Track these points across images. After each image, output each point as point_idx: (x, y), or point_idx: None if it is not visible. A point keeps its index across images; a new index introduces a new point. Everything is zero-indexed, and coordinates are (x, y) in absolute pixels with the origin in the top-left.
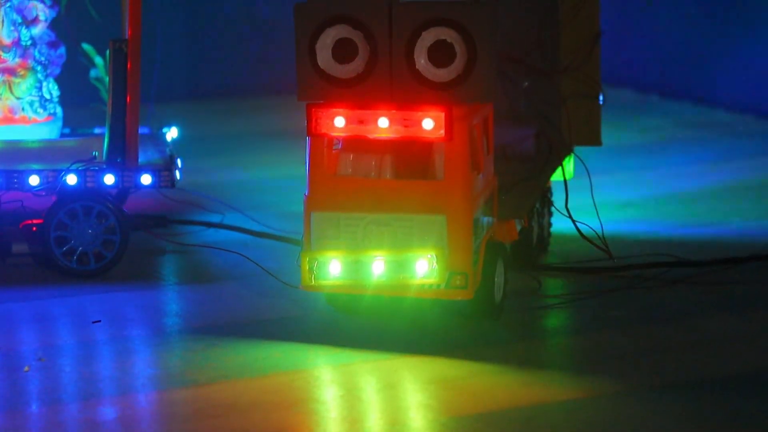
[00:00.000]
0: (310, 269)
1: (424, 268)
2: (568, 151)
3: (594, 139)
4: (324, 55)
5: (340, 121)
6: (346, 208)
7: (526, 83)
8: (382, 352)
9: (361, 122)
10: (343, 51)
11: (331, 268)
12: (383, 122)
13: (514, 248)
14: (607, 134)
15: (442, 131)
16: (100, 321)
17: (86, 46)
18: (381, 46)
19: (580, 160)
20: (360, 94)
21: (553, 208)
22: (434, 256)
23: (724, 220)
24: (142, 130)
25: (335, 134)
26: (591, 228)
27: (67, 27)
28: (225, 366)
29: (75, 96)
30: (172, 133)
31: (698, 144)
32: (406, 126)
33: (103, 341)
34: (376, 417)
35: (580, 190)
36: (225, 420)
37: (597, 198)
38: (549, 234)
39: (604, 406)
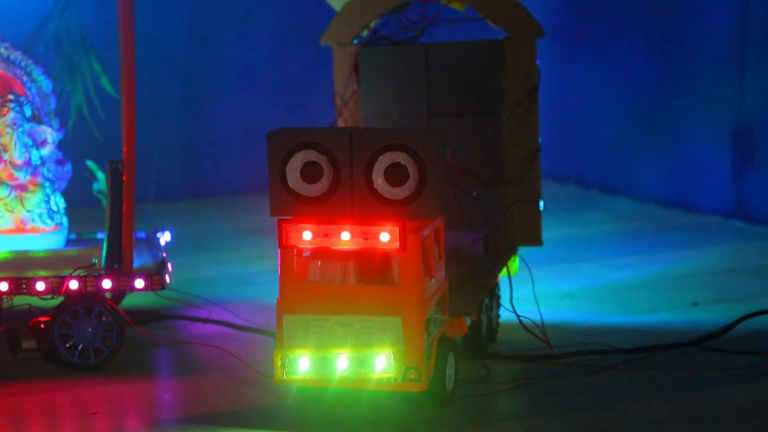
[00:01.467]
0: (282, 365)
1: (383, 363)
2: (513, 252)
3: (535, 240)
4: (293, 177)
5: (307, 235)
6: (314, 311)
7: (476, 193)
8: None
9: (326, 235)
10: (310, 172)
11: (301, 364)
12: (345, 235)
13: (466, 339)
14: (552, 228)
15: (397, 243)
16: (97, 413)
17: (89, 163)
18: (343, 168)
19: (524, 260)
20: (325, 210)
21: (501, 301)
22: (391, 353)
23: (653, 309)
24: (139, 234)
25: (303, 246)
26: (532, 321)
27: (74, 145)
28: None
29: (80, 204)
30: (165, 237)
31: (632, 236)
32: (365, 239)
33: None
34: None
35: (525, 283)
36: None
37: (540, 289)
38: (497, 324)
39: None
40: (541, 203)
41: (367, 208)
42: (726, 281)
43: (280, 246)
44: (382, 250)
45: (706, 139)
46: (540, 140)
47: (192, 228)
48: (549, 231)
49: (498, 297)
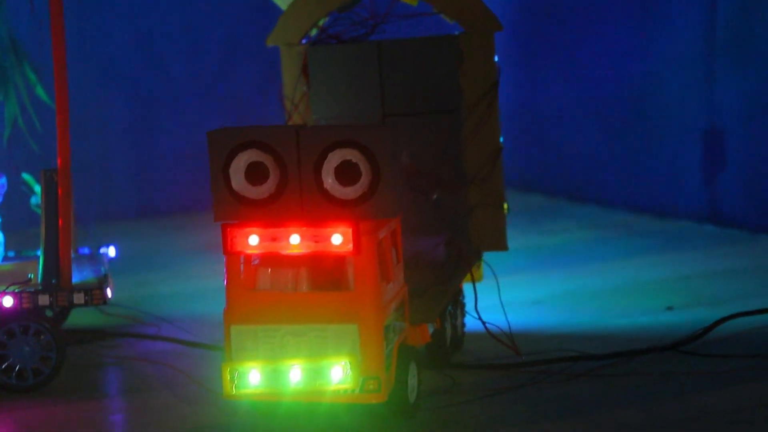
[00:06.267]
0: (232, 379)
1: (339, 374)
2: (477, 257)
3: (500, 245)
4: (237, 178)
5: (254, 239)
6: (263, 321)
7: (436, 195)
8: None
9: (273, 239)
10: (255, 174)
11: (251, 378)
12: (294, 239)
13: (429, 348)
14: (518, 237)
15: (351, 246)
16: None
17: (26, 176)
18: (290, 167)
19: (488, 264)
20: (272, 213)
21: (466, 309)
22: (348, 362)
23: (626, 314)
24: (83, 250)
25: (250, 252)
26: (500, 329)
27: (9, 158)
28: None
29: (18, 222)
30: (110, 252)
31: (602, 243)
32: (316, 242)
33: None
34: None
35: (490, 291)
36: None
37: (507, 297)
38: (463, 333)
39: None
40: (506, 205)
41: (318, 210)
42: (701, 285)
43: (225, 253)
44: (335, 254)
45: (676, 143)
46: (501, 140)
47: (142, 246)
48: (514, 240)
49: (463, 305)
